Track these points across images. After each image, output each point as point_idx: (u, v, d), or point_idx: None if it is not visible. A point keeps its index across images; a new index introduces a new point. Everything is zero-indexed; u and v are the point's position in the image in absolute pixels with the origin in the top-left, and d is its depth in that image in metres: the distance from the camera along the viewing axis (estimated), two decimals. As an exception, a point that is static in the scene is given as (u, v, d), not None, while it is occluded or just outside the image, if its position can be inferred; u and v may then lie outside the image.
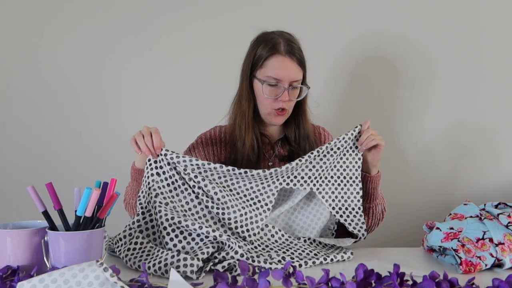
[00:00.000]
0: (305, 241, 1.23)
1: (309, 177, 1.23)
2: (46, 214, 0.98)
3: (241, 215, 1.17)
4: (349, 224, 1.26)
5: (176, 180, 1.17)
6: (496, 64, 1.77)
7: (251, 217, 1.18)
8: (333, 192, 1.26)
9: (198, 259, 1.01)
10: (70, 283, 0.78)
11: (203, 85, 1.85)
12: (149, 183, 1.17)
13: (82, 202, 0.95)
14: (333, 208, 1.25)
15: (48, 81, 1.90)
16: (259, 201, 1.20)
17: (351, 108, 1.82)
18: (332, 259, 1.12)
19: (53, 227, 0.98)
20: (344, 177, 1.28)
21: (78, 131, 1.89)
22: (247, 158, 1.34)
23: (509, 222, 1.12)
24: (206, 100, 1.84)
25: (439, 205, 1.78)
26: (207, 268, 1.01)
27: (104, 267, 0.79)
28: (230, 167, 1.16)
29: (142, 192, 1.17)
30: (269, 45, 1.33)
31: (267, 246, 1.18)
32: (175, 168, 1.17)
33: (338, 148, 1.26)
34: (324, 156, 1.24)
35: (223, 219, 1.16)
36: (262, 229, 1.21)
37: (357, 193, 1.28)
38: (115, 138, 1.87)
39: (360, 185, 1.29)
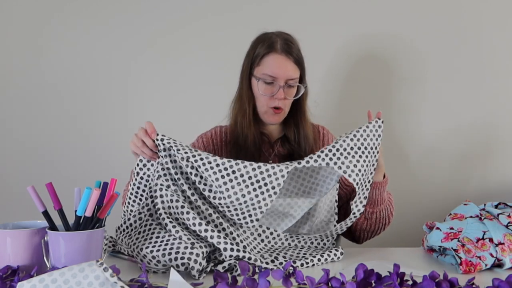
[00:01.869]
0: (291, 238, 1.22)
1: (326, 154, 1.13)
2: (46, 214, 0.98)
3: (240, 203, 1.09)
4: (360, 201, 1.18)
5: (168, 168, 1.14)
6: (496, 63, 1.77)
7: (252, 203, 1.09)
8: (355, 165, 1.12)
9: (203, 257, 1.01)
10: (70, 283, 0.78)
11: (203, 85, 1.85)
12: (148, 175, 1.17)
13: (82, 202, 0.95)
14: (354, 180, 1.12)
15: (48, 81, 1.90)
16: (265, 184, 1.09)
17: (349, 108, 1.81)
18: (319, 259, 1.12)
19: (53, 227, 0.98)
20: (366, 148, 1.15)
21: (78, 131, 1.89)
22: (251, 154, 1.34)
23: (509, 222, 1.12)
24: (207, 100, 1.84)
25: (439, 205, 1.78)
26: (208, 269, 1.02)
27: (104, 267, 0.79)
28: (232, 160, 1.10)
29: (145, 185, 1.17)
30: (267, 43, 1.34)
31: (255, 247, 1.17)
32: (170, 156, 1.14)
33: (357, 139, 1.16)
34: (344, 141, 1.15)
35: (222, 206, 1.12)
36: (251, 231, 1.19)
37: (372, 165, 1.17)
38: (115, 138, 1.87)
39: (376, 157, 1.17)
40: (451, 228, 1.13)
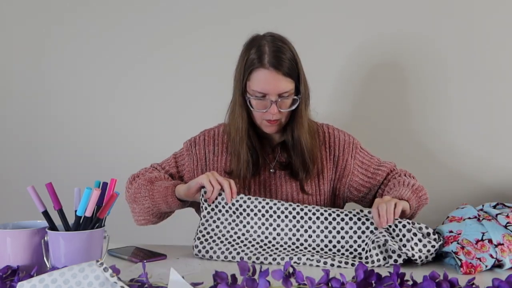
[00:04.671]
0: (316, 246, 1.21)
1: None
2: (46, 214, 0.99)
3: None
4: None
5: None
6: (495, 64, 1.77)
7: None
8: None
9: None
10: (70, 283, 0.78)
11: (203, 86, 1.85)
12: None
13: (82, 202, 0.95)
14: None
15: (49, 82, 1.90)
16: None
17: (356, 107, 1.81)
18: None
19: (53, 227, 0.98)
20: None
21: (78, 131, 1.89)
22: (243, 174, 1.32)
23: (507, 222, 1.12)
24: (207, 101, 1.84)
25: (438, 205, 1.77)
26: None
27: (104, 267, 0.79)
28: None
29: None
30: (257, 54, 1.27)
31: (277, 249, 1.19)
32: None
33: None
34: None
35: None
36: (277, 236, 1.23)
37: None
38: (115, 138, 1.87)
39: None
40: (451, 232, 1.13)
